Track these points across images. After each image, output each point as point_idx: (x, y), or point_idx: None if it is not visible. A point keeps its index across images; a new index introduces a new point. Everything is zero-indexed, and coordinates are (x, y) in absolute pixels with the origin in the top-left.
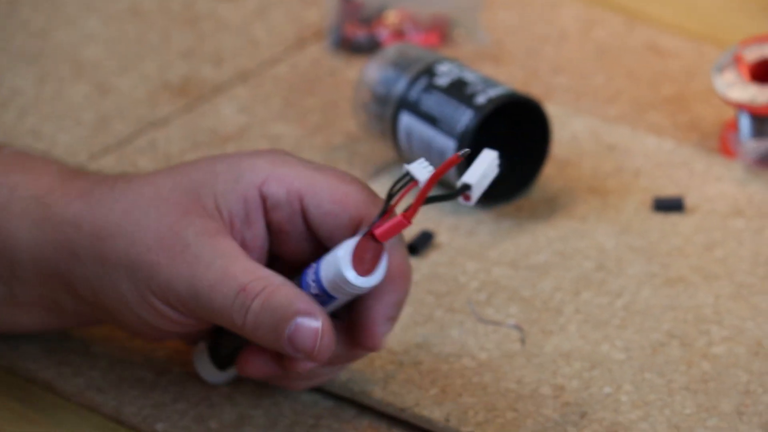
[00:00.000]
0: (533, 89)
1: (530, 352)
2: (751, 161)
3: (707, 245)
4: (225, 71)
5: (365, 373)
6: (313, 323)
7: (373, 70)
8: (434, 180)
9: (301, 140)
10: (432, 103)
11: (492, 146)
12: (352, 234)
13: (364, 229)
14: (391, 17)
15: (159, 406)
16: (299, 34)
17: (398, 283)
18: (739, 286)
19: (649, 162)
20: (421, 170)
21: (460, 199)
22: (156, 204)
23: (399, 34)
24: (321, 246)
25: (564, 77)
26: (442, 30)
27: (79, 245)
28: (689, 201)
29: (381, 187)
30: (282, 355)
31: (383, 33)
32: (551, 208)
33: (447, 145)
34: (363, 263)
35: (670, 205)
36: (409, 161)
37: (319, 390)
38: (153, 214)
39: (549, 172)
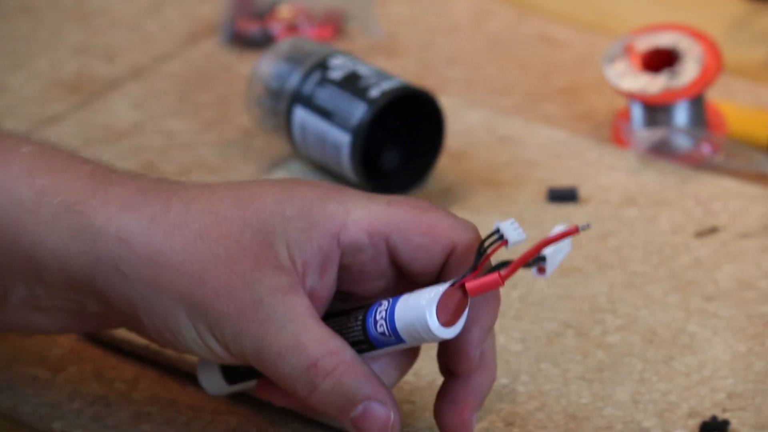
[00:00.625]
0: (427, 82)
1: (427, 345)
2: (644, 150)
3: (601, 235)
4: (118, 67)
5: None
6: (384, 411)
7: (266, 65)
8: (541, 247)
9: (195, 136)
10: (326, 96)
11: (386, 139)
12: (445, 262)
13: (452, 279)
14: (284, 11)
15: (55, 405)
16: (192, 29)
17: (492, 305)
18: (632, 274)
19: (542, 153)
20: (512, 230)
21: (534, 271)
22: (225, 244)
23: (292, 28)
24: (393, 282)
25: (457, 69)
26: (335, 24)
27: (127, 264)
28: (583, 191)
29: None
30: None
31: (276, 27)
32: (446, 199)
33: (342, 138)
34: (446, 313)
35: (564, 196)
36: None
37: None
38: (223, 255)
39: (444, 164)
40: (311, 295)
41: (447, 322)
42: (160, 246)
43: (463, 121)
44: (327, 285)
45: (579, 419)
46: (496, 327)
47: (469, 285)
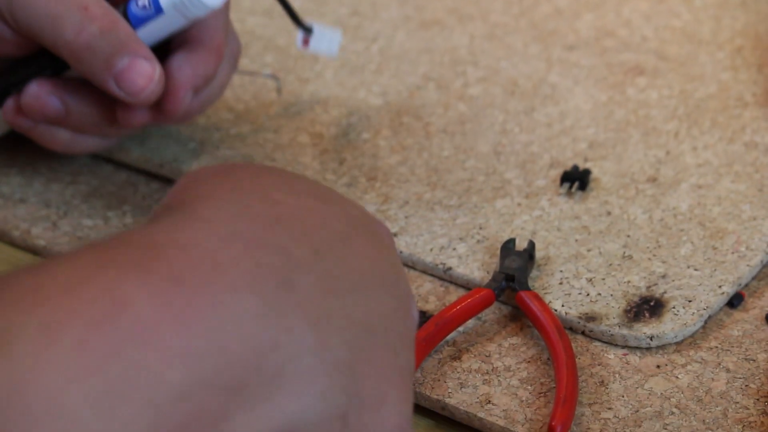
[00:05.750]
0: None
1: (287, 101)
2: None
3: None
4: None
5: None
6: (148, 66)
7: None
8: None
9: None
10: None
11: None
12: None
13: None
14: None
15: None
16: None
17: (212, 56)
18: (493, 26)
19: None
20: None
21: (298, 42)
22: None
23: None
24: None
25: None
26: None
27: None
28: None
29: None
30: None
31: None
32: None
33: None
34: None
35: None
36: None
37: None
38: None
39: None
40: None
41: None
42: None
43: None
44: None
45: (441, 172)
46: (356, 81)
47: None
